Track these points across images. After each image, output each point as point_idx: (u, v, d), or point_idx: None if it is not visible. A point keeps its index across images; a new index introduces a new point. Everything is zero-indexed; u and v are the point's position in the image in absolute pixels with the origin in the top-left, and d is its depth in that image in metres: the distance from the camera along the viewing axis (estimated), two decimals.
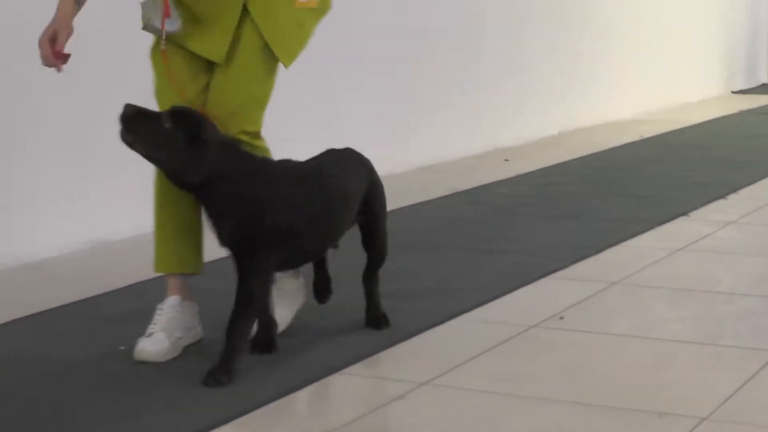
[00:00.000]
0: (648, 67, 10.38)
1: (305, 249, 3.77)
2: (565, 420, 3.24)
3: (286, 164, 3.79)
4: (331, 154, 3.98)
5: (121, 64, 5.27)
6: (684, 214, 5.93)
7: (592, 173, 7.20)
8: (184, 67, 3.91)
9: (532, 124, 8.58)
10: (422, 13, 7.43)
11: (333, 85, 6.71)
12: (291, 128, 5.91)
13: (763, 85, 13.05)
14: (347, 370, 3.62)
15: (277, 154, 3.88)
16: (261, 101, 3.93)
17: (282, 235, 3.59)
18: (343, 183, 3.87)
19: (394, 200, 6.12)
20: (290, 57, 3.92)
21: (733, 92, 12.25)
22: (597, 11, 9.56)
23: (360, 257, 4.05)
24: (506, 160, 7.57)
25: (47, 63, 3.75)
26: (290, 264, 3.83)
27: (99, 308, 4.32)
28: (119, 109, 3.53)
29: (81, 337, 3.98)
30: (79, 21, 3.74)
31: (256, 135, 3.92)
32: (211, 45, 3.88)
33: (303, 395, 3.44)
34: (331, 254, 4.00)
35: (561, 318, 4.15)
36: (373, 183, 4.01)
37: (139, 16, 3.81)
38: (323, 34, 4.12)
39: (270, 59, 3.89)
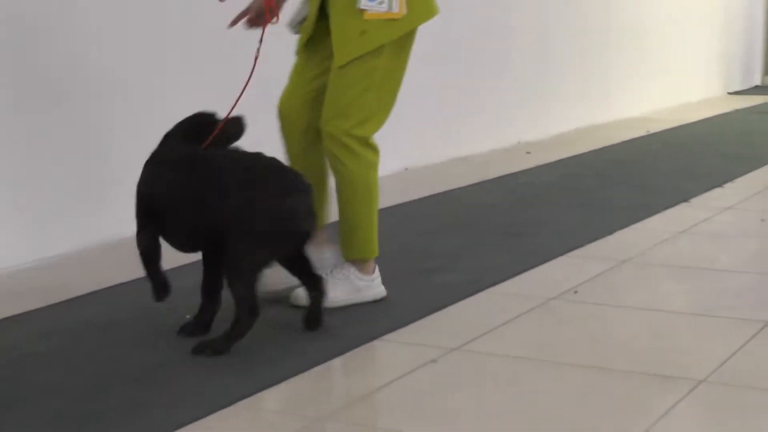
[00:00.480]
0: (654, 71, 10.27)
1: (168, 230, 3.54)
2: (580, 381, 3.21)
3: (182, 150, 3.57)
4: (230, 152, 3.58)
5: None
6: (686, 200, 5.86)
7: (605, 165, 7.13)
8: (302, 69, 3.93)
9: (552, 122, 8.51)
10: (464, 30, 7.39)
11: None
12: None
13: (757, 86, 12.91)
14: (386, 337, 3.60)
15: None
16: (357, 105, 3.74)
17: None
18: (199, 180, 3.45)
19: (432, 187, 6.17)
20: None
21: (730, 93, 12.12)
22: (612, 23, 9.48)
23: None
24: (528, 153, 7.50)
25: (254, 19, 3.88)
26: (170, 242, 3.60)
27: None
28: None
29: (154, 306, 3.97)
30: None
31: (362, 140, 3.76)
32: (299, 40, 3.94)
33: (347, 359, 3.41)
34: None
35: (575, 292, 4.10)
36: (239, 198, 3.36)
37: None
38: None
39: (356, 67, 3.73)
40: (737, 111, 10.34)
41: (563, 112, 8.71)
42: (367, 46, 3.72)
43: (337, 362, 3.38)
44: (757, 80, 13.10)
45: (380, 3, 3.69)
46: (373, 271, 3.94)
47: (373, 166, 3.84)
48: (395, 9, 3.70)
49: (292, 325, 3.66)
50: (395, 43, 3.76)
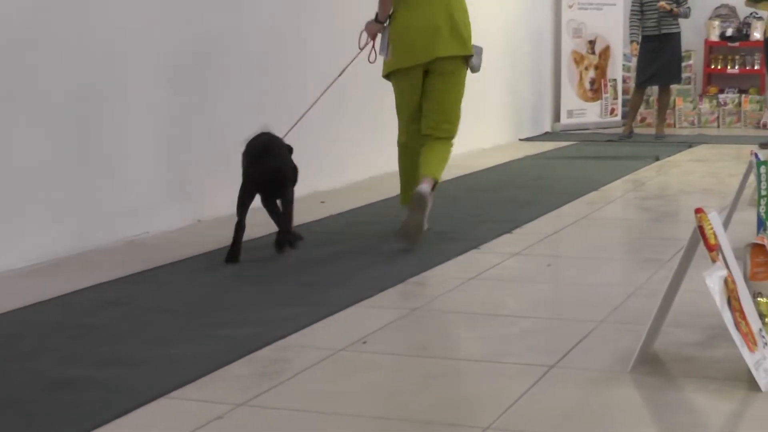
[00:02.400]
0: None
1: None
2: None
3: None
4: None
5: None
6: (476, 247, 5.96)
7: (398, 212, 7.17)
8: None
9: (347, 171, 8.57)
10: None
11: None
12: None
13: (547, 133, 13.29)
14: (173, 395, 3.54)
15: None
16: None
17: None
18: None
19: (223, 239, 6.10)
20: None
21: (521, 140, 12.44)
22: None
23: None
24: (322, 202, 7.53)
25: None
26: None
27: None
28: None
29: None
30: None
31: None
32: None
33: (131, 419, 3.33)
34: None
35: (364, 342, 4.11)
36: None
37: None
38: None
39: None
40: (528, 157, 10.62)
41: (358, 160, 8.78)
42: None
43: (120, 423, 3.30)
44: (546, 127, 13.49)
45: (383, 52, 6.37)
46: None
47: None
48: (387, 57, 6.36)
49: (71, 381, 3.57)
50: (392, 76, 6.44)
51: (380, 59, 6.43)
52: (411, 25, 6.25)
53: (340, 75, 6.58)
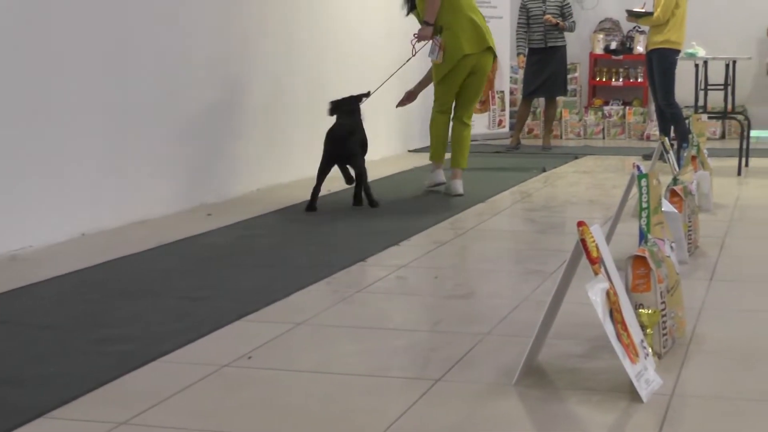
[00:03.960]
0: None
1: None
2: None
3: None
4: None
5: None
6: (363, 259, 5.95)
7: (286, 225, 7.18)
8: None
9: (235, 183, 8.52)
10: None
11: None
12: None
13: None
14: (52, 414, 3.46)
15: None
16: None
17: None
18: None
19: (108, 252, 6.02)
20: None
21: (410, 151, 12.49)
22: (296, 87, 9.58)
23: None
24: (209, 214, 7.46)
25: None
26: None
27: None
28: None
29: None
30: None
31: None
32: None
33: None
34: None
35: (249, 357, 4.07)
36: None
37: None
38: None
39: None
40: (417, 168, 10.66)
41: (246, 172, 8.73)
42: (435, 78, 8.58)
43: None
44: None
45: (433, 55, 8.36)
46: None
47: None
48: (438, 59, 8.36)
49: None
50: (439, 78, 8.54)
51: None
52: (461, 26, 8.23)
53: (399, 68, 8.87)
